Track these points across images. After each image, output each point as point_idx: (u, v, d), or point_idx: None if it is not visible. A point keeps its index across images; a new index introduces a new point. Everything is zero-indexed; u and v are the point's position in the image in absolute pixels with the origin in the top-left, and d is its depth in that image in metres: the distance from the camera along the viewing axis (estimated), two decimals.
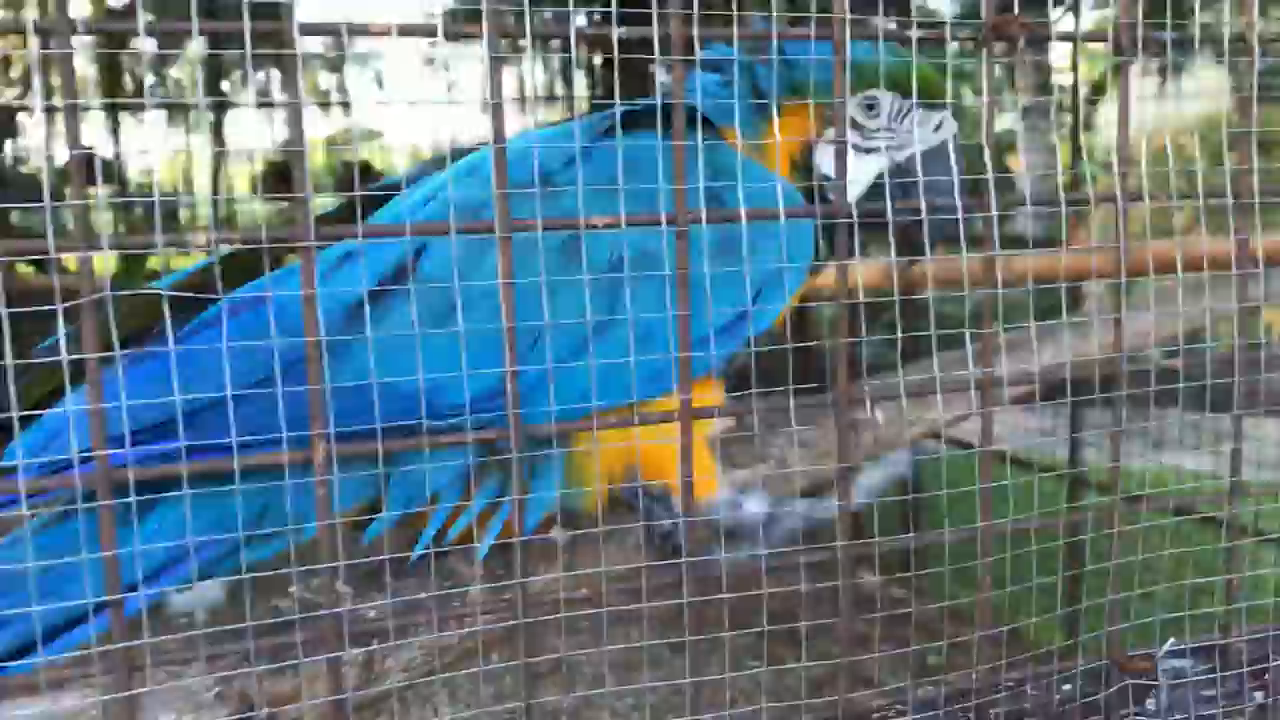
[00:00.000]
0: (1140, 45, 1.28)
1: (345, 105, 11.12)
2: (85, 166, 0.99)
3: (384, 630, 1.29)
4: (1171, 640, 1.30)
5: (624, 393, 1.33)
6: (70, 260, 1.00)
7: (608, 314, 1.38)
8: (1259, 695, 1.23)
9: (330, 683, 1.06)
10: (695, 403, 1.17)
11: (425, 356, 1.21)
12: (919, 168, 1.53)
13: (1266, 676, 1.26)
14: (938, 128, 1.56)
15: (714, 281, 1.28)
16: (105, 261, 1.02)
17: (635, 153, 1.38)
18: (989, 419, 1.26)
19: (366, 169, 9.72)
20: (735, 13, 1.25)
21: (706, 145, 1.23)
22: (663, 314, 1.23)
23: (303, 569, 1.10)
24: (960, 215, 1.22)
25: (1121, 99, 1.32)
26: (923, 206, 1.22)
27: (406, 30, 1.08)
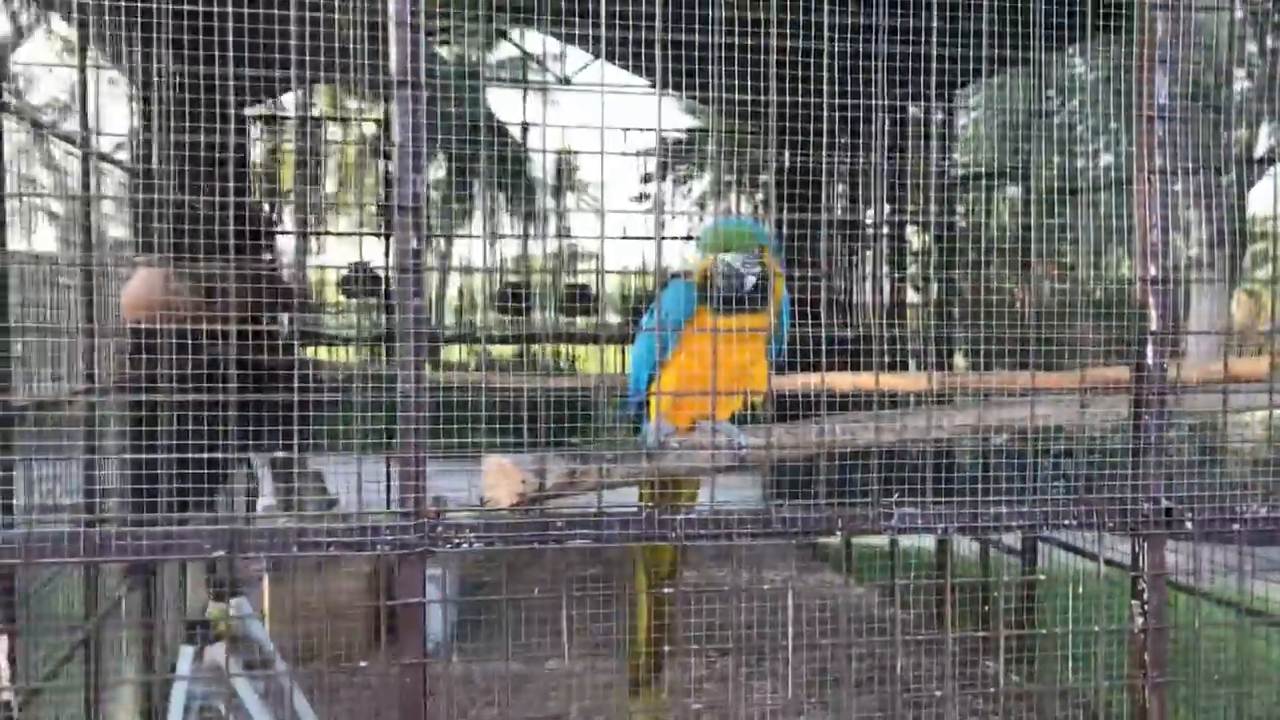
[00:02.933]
0: None
1: (567, 233, 11.91)
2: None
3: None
4: (898, 495, 2.70)
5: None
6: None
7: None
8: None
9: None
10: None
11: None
12: (723, 276, 3.03)
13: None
14: (724, 263, 3.02)
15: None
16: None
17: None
18: None
19: (584, 289, 10.37)
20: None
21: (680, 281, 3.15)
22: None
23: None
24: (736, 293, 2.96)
25: None
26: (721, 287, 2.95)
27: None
